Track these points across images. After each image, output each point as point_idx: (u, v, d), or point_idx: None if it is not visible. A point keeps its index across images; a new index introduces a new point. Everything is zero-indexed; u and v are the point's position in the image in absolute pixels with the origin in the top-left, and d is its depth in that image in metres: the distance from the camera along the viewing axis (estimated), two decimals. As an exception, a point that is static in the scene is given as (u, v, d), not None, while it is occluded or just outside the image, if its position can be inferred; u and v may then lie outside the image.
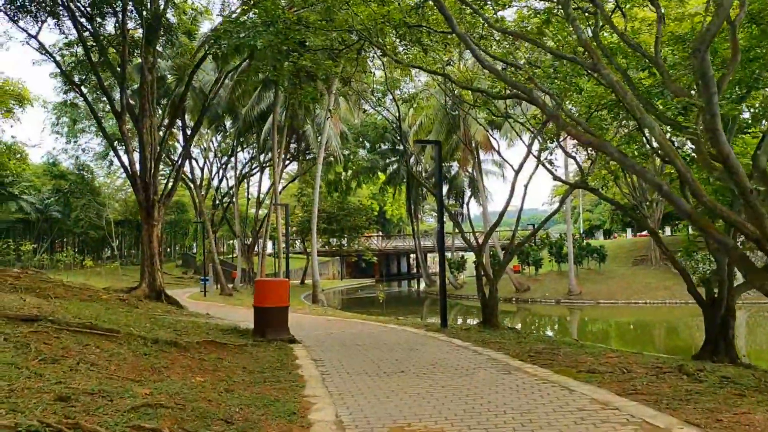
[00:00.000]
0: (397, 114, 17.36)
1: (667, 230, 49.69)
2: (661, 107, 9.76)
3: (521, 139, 13.06)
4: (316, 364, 8.35)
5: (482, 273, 14.50)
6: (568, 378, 7.24)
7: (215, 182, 48.99)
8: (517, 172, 14.54)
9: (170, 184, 21.46)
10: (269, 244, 51.02)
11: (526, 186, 15.17)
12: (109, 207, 50.84)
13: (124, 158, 20.12)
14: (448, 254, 51.22)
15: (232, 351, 8.83)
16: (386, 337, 12.13)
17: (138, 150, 20.37)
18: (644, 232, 48.40)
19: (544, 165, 12.21)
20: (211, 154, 47.62)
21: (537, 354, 9.21)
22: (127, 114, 20.56)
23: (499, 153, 40.68)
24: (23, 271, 15.53)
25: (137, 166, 20.02)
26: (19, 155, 33.04)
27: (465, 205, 49.11)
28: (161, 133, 20.95)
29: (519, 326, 24.50)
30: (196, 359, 7.52)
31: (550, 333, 24.47)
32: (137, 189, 19.91)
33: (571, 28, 11.12)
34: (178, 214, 59.84)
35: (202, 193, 49.60)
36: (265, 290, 10.84)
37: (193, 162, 47.43)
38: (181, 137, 35.99)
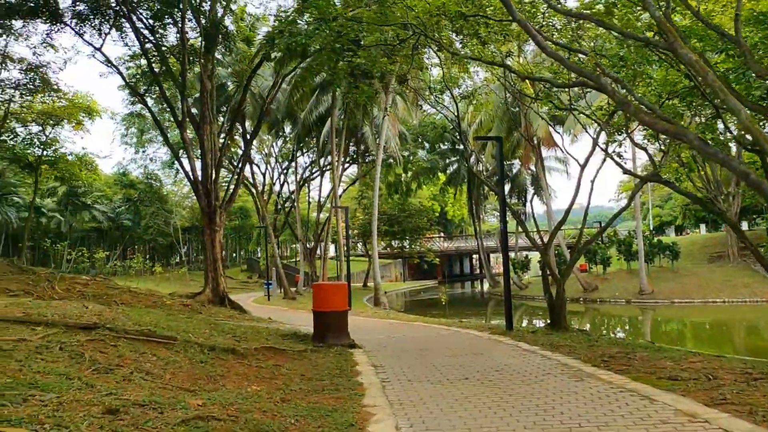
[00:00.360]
0: (455, 112, 16.93)
1: (744, 225, 47.11)
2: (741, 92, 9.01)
3: (587, 131, 12.37)
4: (377, 371, 8.03)
5: (548, 273, 13.89)
6: (646, 386, 6.65)
7: (277, 187, 49.65)
8: (582, 167, 13.86)
9: (231, 189, 21.63)
10: (331, 247, 51.36)
11: (592, 181, 14.45)
12: (176, 214, 52.23)
13: (187, 166, 20.40)
14: (512, 254, 50.21)
15: (291, 357, 8.63)
16: (449, 340, 11.72)
17: (200, 157, 20.70)
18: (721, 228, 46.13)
19: (612, 158, 11.49)
20: (272, 160, 48.26)
21: (611, 359, 8.61)
22: (188, 122, 20.91)
23: (562, 149, 39.65)
24: (92, 278, 15.93)
25: (199, 173, 20.33)
26: (89, 166, 34.25)
27: (528, 204, 48.08)
28: (222, 139, 21.17)
29: (588, 327, 23.54)
30: (254, 367, 7.33)
31: (621, 335, 23.42)
32: (199, 195, 20.18)
33: (639, 11, 10.48)
34: (242, 219, 60.96)
35: (265, 198, 50.45)
36: (323, 294, 10.61)
37: (255, 168, 48.30)
38: (242, 143, 36.57)
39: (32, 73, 26.35)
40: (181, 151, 23.86)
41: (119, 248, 54.55)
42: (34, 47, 27.02)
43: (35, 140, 31.87)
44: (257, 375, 7.04)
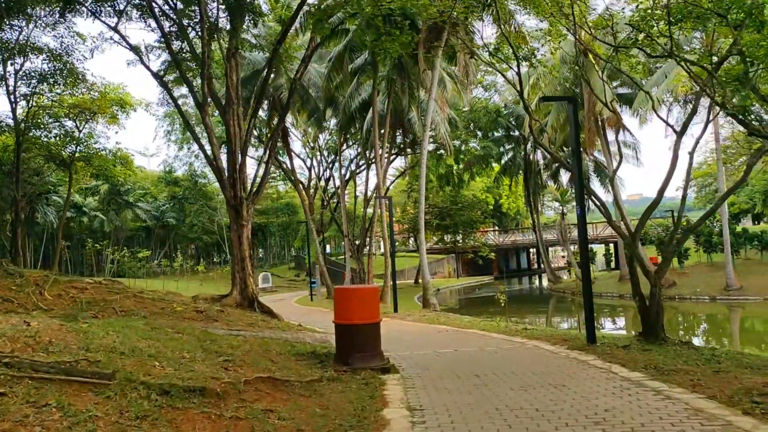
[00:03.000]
0: (512, 82, 14.25)
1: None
2: None
3: (693, 79, 9.45)
4: (413, 418, 5.49)
5: (635, 270, 11.02)
6: None
7: (323, 182, 47.73)
8: (680, 134, 10.92)
9: (262, 180, 19.38)
10: (382, 243, 49.01)
11: (691, 153, 11.51)
12: (221, 211, 50.90)
13: (210, 154, 18.29)
14: (573, 247, 46.70)
15: (294, 393, 6.16)
16: (515, 358, 9.06)
17: (225, 143, 18.55)
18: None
19: (736, 116, 8.56)
20: (318, 154, 46.33)
21: (763, 397, 5.81)
22: (212, 106, 18.83)
23: (628, 130, 36.08)
24: (94, 282, 13.92)
25: (224, 163, 18.19)
26: (124, 161, 32.80)
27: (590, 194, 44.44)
28: (247, 122, 18.89)
29: (668, 327, 20.22)
30: (226, 419, 4.88)
31: (726, 342, 19.96)
32: (224, 186, 17.98)
33: None
34: (289, 216, 59.27)
35: (311, 193, 48.53)
36: (347, 301, 8.10)
37: (300, 161, 46.48)
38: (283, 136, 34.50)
39: (56, 62, 24.82)
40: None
41: (165, 247, 53.54)
42: (61, 37, 25.75)
43: (70, 136, 30.53)
44: (227, 434, 4.60)
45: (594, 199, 11.51)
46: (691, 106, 29.91)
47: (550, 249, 55.51)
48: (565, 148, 38.54)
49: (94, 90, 27.90)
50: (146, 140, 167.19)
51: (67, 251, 44.12)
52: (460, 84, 29.89)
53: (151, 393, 4.87)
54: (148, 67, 18.56)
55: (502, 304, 17.75)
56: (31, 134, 29.30)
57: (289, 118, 36.19)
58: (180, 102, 30.94)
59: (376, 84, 27.56)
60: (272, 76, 29.51)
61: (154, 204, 51.46)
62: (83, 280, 13.64)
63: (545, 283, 57.15)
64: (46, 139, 30.49)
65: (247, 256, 18.14)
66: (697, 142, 11.60)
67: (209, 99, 18.17)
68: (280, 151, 38.39)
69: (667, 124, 12.33)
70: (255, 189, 18.69)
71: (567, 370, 7.80)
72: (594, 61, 29.02)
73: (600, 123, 33.64)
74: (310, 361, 8.17)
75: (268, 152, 19.60)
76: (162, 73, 19.88)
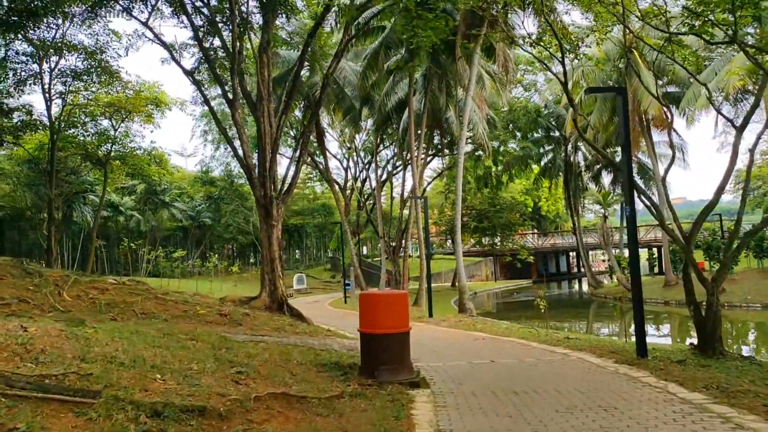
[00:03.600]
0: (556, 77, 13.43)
1: None
2: None
3: (760, 66, 8.51)
4: (443, 446, 4.79)
5: (689, 276, 10.07)
6: None
7: (359, 183, 47.22)
8: (740, 129, 9.95)
9: (293, 179, 18.85)
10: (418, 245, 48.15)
11: (752, 150, 10.57)
12: (256, 211, 50.78)
13: (239, 153, 17.86)
14: (616, 251, 45.17)
15: (311, 412, 5.51)
16: (557, 373, 8.25)
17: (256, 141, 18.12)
18: None
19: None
20: (354, 154, 45.86)
21: None
22: (242, 102, 18.39)
23: (675, 131, 34.55)
24: (118, 282, 13.53)
25: (255, 161, 17.74)
26: (159, 161, 32.80)
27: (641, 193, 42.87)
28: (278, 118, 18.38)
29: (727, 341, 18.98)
30: (225, 445, 4.26)
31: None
32: (254, 184, 17.53)
33: None
34: (325, 216, 58.96)
35: (348, 194, 48.04)
36: (373, 307, 7.41)
37: (336, 162, 46.09)
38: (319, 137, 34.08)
39: (91, 60, 24.81)
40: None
41: (201, 247, 53.71)
42: (96, 35, 25.76)
43: (105, 135, 30.65)
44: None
45: (644, 200, 10.59)
46: (742, 104, 28.37)
47: (590, 252, 53.85)
48: (607, 149, 37.20)
49: (128, 88, 27.90)
50: (183, 140, 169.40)
51: (104, 250, 44.45)
52: (498, 82, 28.96)
53: (141, 414, 4.27)
54: (179, 64, 18.27)
55: (542, 310, 16.82)
56: (67, 132, 29.48)
57: (326, 119, 35.74)
58: (216, 102, 30.92)
59: (411, 82, 26.86)
60: (305, 72, 29.14)
61: (190, 204, 51.66)
62: (106, 281, 13.28)
63: (585, 287, 55.64)
64: (82, 138, 30.65)
65: (277, 257, 17.65)
66: (758, 139, 10.62)
67: (240, 96, 17.76)
68: (316, 152, 38.03)
69: (727, 118, 11.35)
70: (285, 188, 18.20)
71: (617, 388, 6.97)
72: (640, 59, 27.87)
73: (645, 122, 32.31)
74: (334, 372, 7.51)
75: (299, 149, 19.04)
76: (194, 70, 19.54)
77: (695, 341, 10.03)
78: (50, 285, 11.43)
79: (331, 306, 30.22)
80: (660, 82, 31.53)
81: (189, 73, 18.71)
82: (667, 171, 12.12)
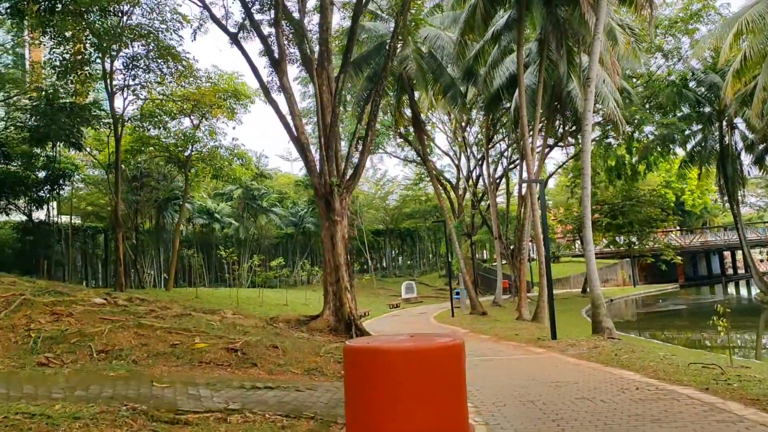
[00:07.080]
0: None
1: None
2: None
3: None
4: None
5: None
6: None
7: (472, 180, 42.70)
8: None
9: (358, 162, 14.67)
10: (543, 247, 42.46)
11: None
12: (361, 215, 47.49)
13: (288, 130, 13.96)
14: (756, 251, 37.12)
15: None
16: None
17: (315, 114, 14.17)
18: None
19: None
20: (466, 149, 41.42)
21: None
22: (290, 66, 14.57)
23: None
24: (108, 299, 10.02)
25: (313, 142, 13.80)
26: (242, 159, 30.04)
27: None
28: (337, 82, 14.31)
29: None
30: None
31: None
32: (311, 169, 13.59)
33: None
34: (438, 218, 54.61)
35: (460, 193, 43.66)
36: (369, 386, 2.94)
37: (447, 159, 42.00)
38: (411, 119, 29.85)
39: (157, 45, 22.18)
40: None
41: (305, 255, 51.10)
42: (163, 21, 23.30)
43: (186, 135, 28.26)
44: None
45: None
46: None
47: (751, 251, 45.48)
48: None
49: (202, 79, 25.19)
50: (287, 144, 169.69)
51: (199, 259, 42.69)
52: (635, 38, 23.19)
53: None
54: (222, 25, 14.73)
55: (721, 331, 11.12)
56: (147, 134, 27.34)
57: (425, 103, 31.20)
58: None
59: (521, 38, 21.68)
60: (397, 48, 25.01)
61: (293, 209, 49.21)
62: (87, 297, 9.76)
63: (745, 291, 47.35)
64: (165, 140, 28.42)
65: (343, 263, 13.48)
66: None
67: (291, 55, 13.90)
68: (411, 141, 34.02)
69: None
70: (353, 173, 14.06)
71: None
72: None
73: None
74: None
75: (366, 126, 14.80)
76: (239, 33, 16.02)
77: None
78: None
79: (436, 320, 25.68)
80: None
81: (232, 34, 15.12)
82: None
